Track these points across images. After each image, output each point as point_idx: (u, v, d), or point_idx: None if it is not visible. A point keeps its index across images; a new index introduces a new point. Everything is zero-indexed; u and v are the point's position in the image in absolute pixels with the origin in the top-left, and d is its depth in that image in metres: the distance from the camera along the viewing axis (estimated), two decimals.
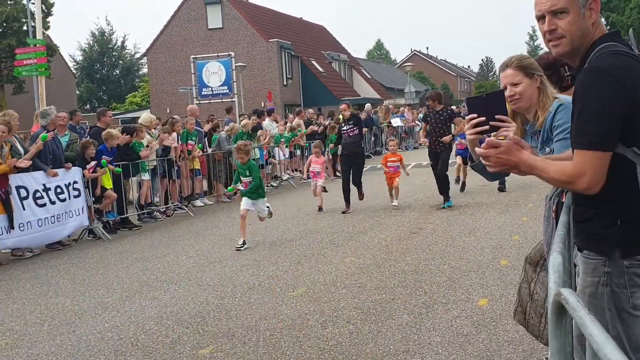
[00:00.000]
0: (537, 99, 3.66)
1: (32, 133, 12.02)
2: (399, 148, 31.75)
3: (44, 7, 29.07)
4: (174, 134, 14.15)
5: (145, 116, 14.72)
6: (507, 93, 3.67)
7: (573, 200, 2.76)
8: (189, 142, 14.67)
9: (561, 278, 2.31)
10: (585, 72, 2.51)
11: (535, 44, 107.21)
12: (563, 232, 2.73)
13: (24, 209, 10.13)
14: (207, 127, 16.75)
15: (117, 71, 72.38)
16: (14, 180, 10.01)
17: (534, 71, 3.67)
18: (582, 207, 2.65)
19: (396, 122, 29.87)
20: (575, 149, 2.48)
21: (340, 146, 13.09)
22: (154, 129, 14.23)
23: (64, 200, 10.92)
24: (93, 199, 11.70)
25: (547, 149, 3.59)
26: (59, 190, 10.84)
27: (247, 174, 9.84)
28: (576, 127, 2.50)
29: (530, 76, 3.64)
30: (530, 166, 2.64)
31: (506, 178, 10.27)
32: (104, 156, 11.92)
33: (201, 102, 40.41)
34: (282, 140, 19.01)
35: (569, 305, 1.96)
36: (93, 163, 11.55)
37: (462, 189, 14.36)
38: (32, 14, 19.37)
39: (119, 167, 12.17)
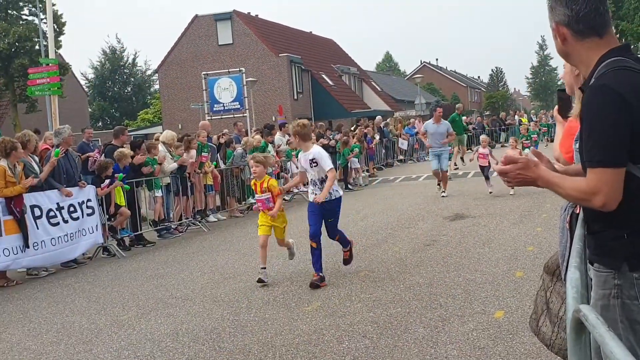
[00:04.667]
0: None
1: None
2: (409, 159, 31.00)
3: (55, 27, 29.31)
4: (193, 152, 14.20)
5: (166, 134, 14.80)
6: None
7: (584, 213, 2.77)
8: (203, 154, 14.72)
9: (579, 293, 2.30)
10: (591, 89, 2.52)
11: (545, 53, 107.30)
12: (580, 246, 2.72)
13: (37, 228, 10.18)
14: (215, 139, 16.84)
15: (129, 88, 72.80)
16: (28, 199, 10.06)
17: None
18: (590, 220, 2.66)
19: (403, 144, 29.68)
20: (587, 167, 2.48)
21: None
22: (175, 148, 14.26)
23: (77, 219, 10.97)
24: (107, 216, 11.76)
25: None
26: (72, 209, 10.90)
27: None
28: (586, 146, 2.50)
29: None
30: (547, 182, 2.64)
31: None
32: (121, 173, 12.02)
33: (213, 118, 40.58)
34: (293, 154, 19.06)
35: (588, 322, 1.95)
36: (107, 182, 11.62)
37: None
38: (45, 34, 19.54)
39: (127, 186, 12.23)
